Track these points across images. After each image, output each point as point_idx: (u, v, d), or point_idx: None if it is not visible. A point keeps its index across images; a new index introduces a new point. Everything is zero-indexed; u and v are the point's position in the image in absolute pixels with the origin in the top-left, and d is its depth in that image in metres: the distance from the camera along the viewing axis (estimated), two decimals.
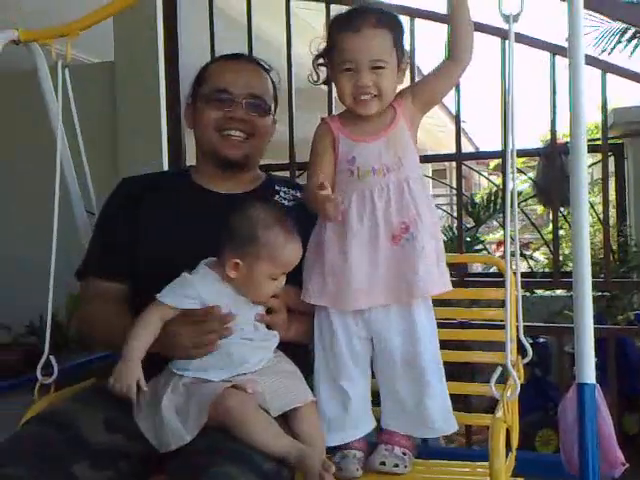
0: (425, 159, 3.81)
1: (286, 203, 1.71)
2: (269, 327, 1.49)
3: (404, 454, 1.43)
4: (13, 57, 1.69)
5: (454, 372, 1.64)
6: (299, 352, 1.55)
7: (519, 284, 1.43)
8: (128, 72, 3.56)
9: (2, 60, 1.62)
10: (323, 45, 1.46)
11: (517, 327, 1.41)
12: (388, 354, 1.44)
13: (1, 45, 1.55)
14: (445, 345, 1.51)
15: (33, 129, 2.70)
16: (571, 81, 1.30)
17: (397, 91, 1.46)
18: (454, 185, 2.83)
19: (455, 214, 2.98)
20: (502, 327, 1.30)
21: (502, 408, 1.25)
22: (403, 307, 1.42)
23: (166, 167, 2.91)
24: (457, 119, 2.59)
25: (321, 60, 1.47)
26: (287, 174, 2.63)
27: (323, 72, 1.49)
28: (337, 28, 1.42)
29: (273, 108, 1.75)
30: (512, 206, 1.32)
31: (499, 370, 1.26)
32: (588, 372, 1.24)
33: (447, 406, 1.45)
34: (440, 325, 1.49)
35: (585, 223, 1.29)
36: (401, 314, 1.42)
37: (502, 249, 4.45)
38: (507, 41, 1.36)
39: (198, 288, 1.42)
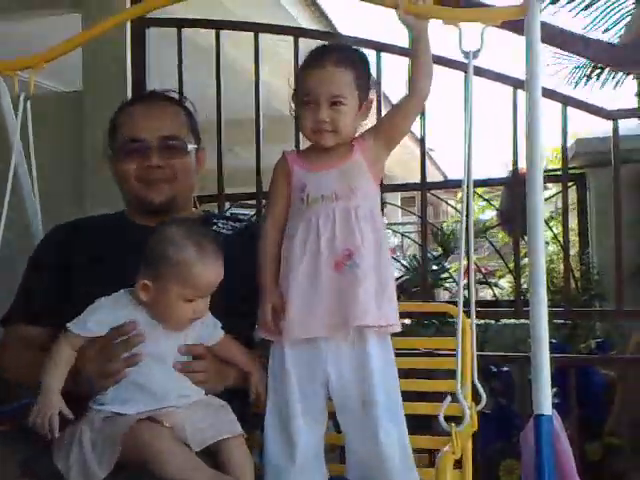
0: (391, 188, 3.87)
1: (224, 232, 1.71)
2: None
3: None
4: None
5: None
6: (235, 404, 1.49)
7: (474, 329, 1.43)
8: (95, 101, 3.55)
9: None
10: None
11: (472, 372, 1.41)
12: (342, 395, 1.40)
13: None
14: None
15: None
16: (528, 114, 1.34)
17: (362, 127, 1.48)
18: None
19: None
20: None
21: (451, 441, 1.25)
22: (357, 342, 1.39)
23: None
24: (422, 148, 2.62)
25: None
26: (254, 203, 2.65)
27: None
28: (303, 64, 1.46)
29: (193, 141, 1.74)
30: (468, 244, 1.35)
31: (448, 399, 1.27)
32: (545, 403, 1.26)
33: (407, 455, 1.39)
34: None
35: (541, 252, 1.30)
36: (355, 351, 1.39)
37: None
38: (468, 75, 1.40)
39: (107, 312, 1.37)
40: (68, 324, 1.37)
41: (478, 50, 1.37)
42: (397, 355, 1.49)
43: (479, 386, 1.39)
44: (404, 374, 1.63)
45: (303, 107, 1.43)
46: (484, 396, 1.40)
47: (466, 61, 1.39)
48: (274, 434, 1.43)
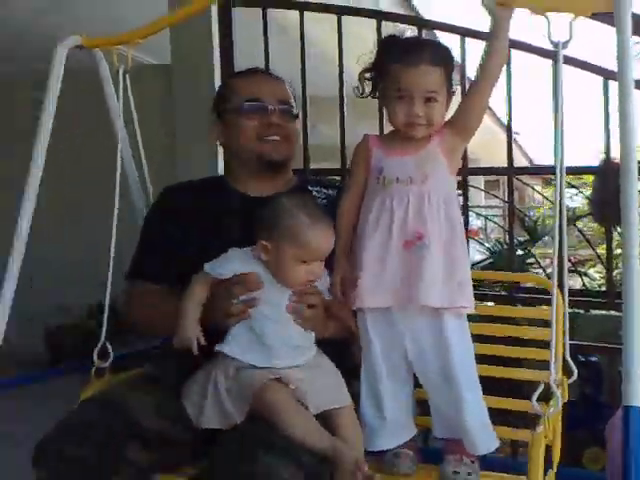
0: (477, 171, 3.79)
1: (319, 201, 1.76)
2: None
3: (472, 462, 1.46)
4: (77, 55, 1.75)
5: (498, 389, 1.63)
6: (342, 353, 1.58)
7: (566, 303, 1.44)
8: (184, 75, 3.65)
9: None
10: (371, 61, 1.54)
11: (563, 346, 1.42)
12: (422, 367, 1.49)
13: (65, 51, 1.62)
14: (490, 360, 1.53)
15: (96, 128, 2.80)
16: (621, 105, 1.29)
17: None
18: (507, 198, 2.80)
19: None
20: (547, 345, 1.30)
21: (543, 424, 1.26)
22: (433, 320, 1.46)
23: (221, 168, 2.96)
24: (509, 131, 2.57)
25: (368, 75, 1.55)
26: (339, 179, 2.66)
27: (368, 85, 1.57)
28: (393, 59, 1.49)
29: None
30: (560, 222, 1.33)
31: (541, 387, 1.27)
32: (634, 394, 1.22)
33: (485, 424, 1.48)
34: (485, 340, 1.51)
35: (635, 243, 1.27)
36: (431, 328, 1.46)
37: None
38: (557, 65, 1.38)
39: (237, 262, 1.51)
40: (205, 264, 1.52)
41: (567, 41, 1.35)
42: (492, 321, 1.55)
43: (570, 361, 1.41)
44: (497, 341, 1.69)
45: (395, 100, 1.48)
46: (575, 370, 1.42)
47: (555, 49, 1.36)
48: (366, 397, 1.53)
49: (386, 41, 1.56)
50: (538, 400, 1.27)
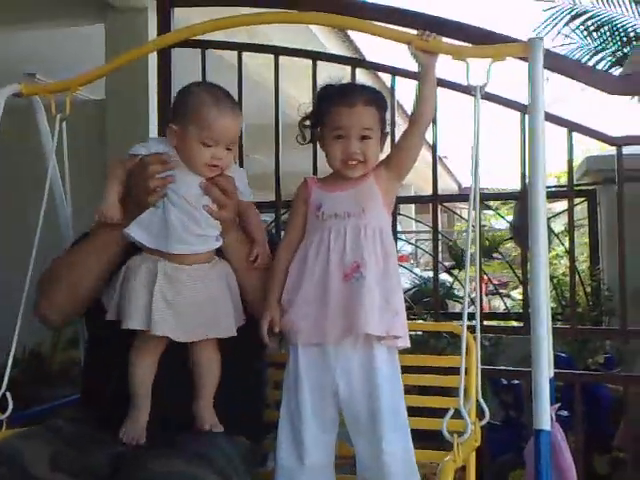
0: (405, 200, 3.92)
1: None
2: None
3: None
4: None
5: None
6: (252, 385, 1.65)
7: (478, 350, 1.49)
8: (118, 110, 3.65)
9: None
10: (309, 109, 1.65)
11: (476, 390, 1.47)
12: (350, 404, 1.49)
13: (3, 99, 1.64)
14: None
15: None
16: (532, 137, 1.41)
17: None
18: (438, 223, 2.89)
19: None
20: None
21: (453, 451, 1.30)
22: (365, 354, 1.48)
23: None
24: (434, 159, 2.67)
25: (307, 122, 1.65)
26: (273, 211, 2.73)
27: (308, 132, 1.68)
28: (332, 100, 1.59)
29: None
30: (480, 262, 1.41)
31: (450, 412, 1.32)
32: (543, 418, 1.30)
33: (410, 465, 1.47)
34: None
35: (542, 264, 1.35)
36: (362, 362, 1.48)
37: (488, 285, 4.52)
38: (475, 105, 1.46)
39: (153, 146, 1.59)
40: (129, 151, 1.60)
41: (485, 85, 1.45)
42: (407, 371, 1.56)
43: (482, 402, 1.44)
44: (414, 390, 1.72)
45: (333, 141, 1.57)
46: (487, 412, 1.45)
47: (473, 93, 1.45)
48: (286, 436, 1.52)
49: (324, 89, 1.66)
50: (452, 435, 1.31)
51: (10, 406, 1.56)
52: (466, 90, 2.31)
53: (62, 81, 1.69)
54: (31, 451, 1.42)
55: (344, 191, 1.57)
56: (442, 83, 2.39)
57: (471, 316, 1.45)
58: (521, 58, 1.54)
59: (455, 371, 1.74)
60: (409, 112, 1.58)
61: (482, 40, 1.62)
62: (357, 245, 1.50)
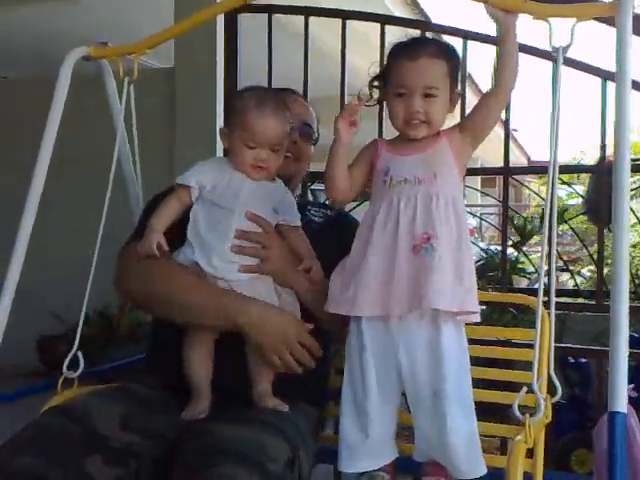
0: (473, 172, 3.81)
1: (316, 219, 1.80)
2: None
3: None
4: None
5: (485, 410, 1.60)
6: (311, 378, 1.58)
7: (552, 323, 1.43)
8: (187, 78, 3.67)
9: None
10: (378, 68, 1.54)
11: (548, 365, 1.41)
12: (413, 380, 1.43)
13: (73, 61, 1.66)
14: (476, 383, 1.49)
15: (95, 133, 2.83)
16: (617, 106, 1.33)
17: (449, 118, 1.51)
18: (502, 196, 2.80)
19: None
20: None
21: (524, 432, 1.26)
22: (430, 329, 1.41)
23: None
24: (506, 131, 2.57)
25: (376, 82, 1.53)
26: None
27: (377, 93, 1.55)
28: (396, 54, 1.48)
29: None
30: (550, 236, 1.35)
31: (524, 390, 1.27)
32: (620, 400, 1.25)
33: (474, 446, 1.41)
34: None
35: (625, 243, 1.28)
36: (427, 338, 1.41)
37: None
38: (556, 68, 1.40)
39: (207, 169, 1.60)
40: (177, 179, 1.60)
41: (568, 46, 1.36)
42: (473, 343, 1.50)
43: (555, 378, 1.39)
44: (480, 362, 1.66)
45: (395, 98, 1.46)
46: (559, 388, 1.40)
47: (555, 55, 1.38)
48: (349, 410, 1.47)
49: (392, 46, 1.53)
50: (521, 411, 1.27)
51: (81, 365, 1.60)
52: (543, 54, 2.27)
53: (130, 44, 1.69)
54: (103, 410, 1.43)
55: (414, 154, 1.46)
56: (521, 48, 2.29)
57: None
58: (605, 20, 1.45)
59: (521, 345, 1.72)
60: (479, 84, 1.50)
61: (552, 1, 1.51)
62: (428, 214, 1.40)
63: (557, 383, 1.39)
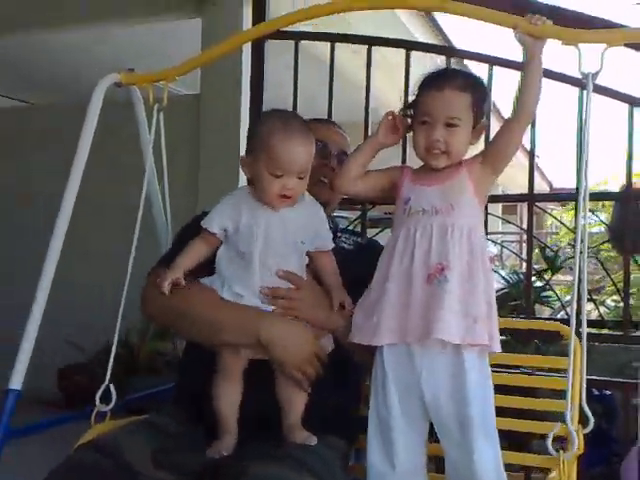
0: (495, 199, 3.78)
1: (346, 246, 1.80)
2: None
3: None
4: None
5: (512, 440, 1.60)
6: (349, 380, 1.60)
7: (584, 351, 1.41)
8: (213, 105, 3.71)
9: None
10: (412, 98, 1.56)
11: (580, 394, 1.39)
12: (437, 410, 1.42)
13: (104, 88, 1.70)
14: (503, 411, 1.48)
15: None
16: None
17: (473, 149, 1.53)
18: (524, 222, 2.79)
19: (524, 255, 2.94)
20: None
21: (557, 468, 1.24)
22: (452, 358, 1.41)
23: None
24: (531, 158, 2.57)
25: (409, 111, 1.56)
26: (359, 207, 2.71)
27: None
28: (424, 85, 1.52)
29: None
30: (580, 269, 1.33)
31: (558, 425, 1.26)
32: None
33: (500, 475, 1.40)
34: (497, 390, 1.46)
35: None
36: (449, 367, 1.41)
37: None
38: (584, 94, 1.40)
39: (225, 215, 1.53)
40: (202, 222, 1.55)
41: (598, 72, 1.36)
42: (500, 370, 1.48)
43: (587, 409, 1.37)
44: (506, 390, 1.64)
45: (419, 126, 1.49)
46: (592, 420, 1.38)
47: (584, 81, 1.38)
48: (375, 440, 1.47)
49: (423, 77, 1.55)
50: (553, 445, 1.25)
51: (114, 398, 1.59)
52: (572, 81, 2.26)
53: (160, 71, 1.71)
54: (135, 446, 1.43)
55: (433, 185, 1.49)
56: (547, 74, 2.30)
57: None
58: (634, 45, 1.44)
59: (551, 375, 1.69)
60: (503, 113, 1.51)
61: (581, 26, 1.50)
62: (443, 245, 1.42)
63: (589, 414, 1.37)
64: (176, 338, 2.05)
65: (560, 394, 1.50)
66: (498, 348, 1.44)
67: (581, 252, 1.36)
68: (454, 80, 1.48)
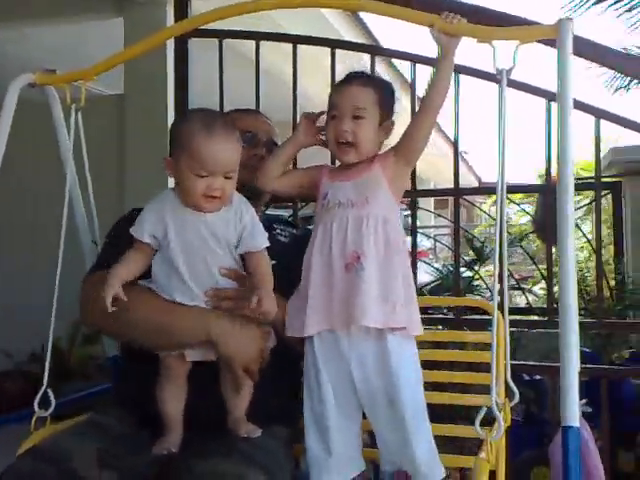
0: (425, 193, 3.88)
1: (282, 239, 1.81)
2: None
3: None
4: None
5: (442, 414, 1.66)
6: (288, 370, 1.62)
7: (507, 324, 1.46)
8: (137, 105, 3.64)
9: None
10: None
11: (505, 369, 1.45)
12: (368, 395, 1.48)
13: (18, 88, 1.63)
14: (432, 386, 1.54)
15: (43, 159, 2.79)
16: (560, 126, 1.36)
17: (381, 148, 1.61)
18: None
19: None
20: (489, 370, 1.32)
21: (486, 449, 1.27)
22: (377, 343, 1.47)
23: None
24: (455, 152, 2.61)
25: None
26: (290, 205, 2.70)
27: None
28: (336, 86, 1.63)
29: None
30: (501, 246, 1.38)
31: (483, 411, 1.28)
32: (572, 415, 1.26)
33: (432, 453, 1.47)
34: (427, 366, 1.52)
35: (571, 260, 1.31)
36: (375, 351, 1.47)
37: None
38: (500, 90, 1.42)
39: (152, 216, 1.49)
40: (132, 230, 1.50)
41: (511, 68, 1.40)
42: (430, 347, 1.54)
43: (511, 383, 1.42)
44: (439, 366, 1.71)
45: (330, 122, 1.58)
46: (517, 393, 1.44)
47: (499, 77, 1.41)
48: (312, 428, 1.51)
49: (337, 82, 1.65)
50: (482, 425, 1.28)
51: (52, 402, 1.57)
52: (488, 77, 2.32)
53: (77, 70, 1.66)
54: (79, 449, 1.41)
55: (349, 180, 1.56)
56: (464, 70, 2.35)
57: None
58: (547, 42, 1.48)
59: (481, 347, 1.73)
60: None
61: (499, 24, 1.55)
62: (358, 235, 1.48)
63: (514, 387, 1.43)
64: (106, 341, 1.99)
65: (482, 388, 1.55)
66: (419, 331, 1.51)
67: (501, 238, 1.39)
68: (360, 77, 1.59)
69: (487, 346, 1.37)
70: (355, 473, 1.52)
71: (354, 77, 1.60)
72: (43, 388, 1.58)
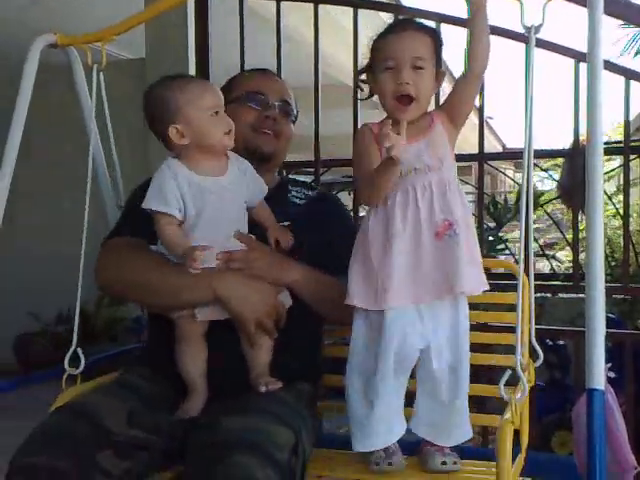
0: None
1: (297, 201, 1.79)
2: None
3: (452, 451, 1.45)
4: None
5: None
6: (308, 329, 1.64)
7: (532, 288, 1.44)
8: (159, 69, 3.61)
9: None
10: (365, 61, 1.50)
11: (529, 331, 1.44)
12: (436, 359, 1.43)
13: (39, 49, 1.62)
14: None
15: (68, 124, 2.79)
16: (589, 87, 1.31)
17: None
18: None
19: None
20: (514, 330, 1.30)
21: (510, 410, 1.26)
22: (452, 308, 1.43)
23: None
24: (480, 118, 2.58)
25: (363, 76, 1.51)
26: (312, 171, 2.68)
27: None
28: (381, 36, 1.47)
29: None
30: (527, 208, 1.35)
31: (507, 373, 1.27)
32: (597, 378, 1.25)
33: (467, 417, 1.46)
34: None
35: (599, 225, 1.28)
36: (450, 316, 1.43)
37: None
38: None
39: (171, 191, 1.47)
40: (160, 208, 1.47)
41: (540, 25, 1.35)
42: None
43: (536, 344, 1.42)
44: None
45: (384, 73, 1.43)
46: (541, 354, 1.43)
47: (527, 34, 1.37)
48: (357, 389, 1.46)
49: (375, 35, 1.50)
50: (506, 385, 1.26)
51: (82, 361, 1.58)
52: (515, 36, 2.26)
53: (97, 31, 1.65)
54: (109, 407, 1.44)
55: (417, 141, 1.42)
56: (492, 30, 2.29)
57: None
58: (577, 0, 1.44)
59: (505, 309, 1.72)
60: (452, 71, 1.49)
61: None
62: (445, 202, 1.40)
63: (538, 348, 1.42)
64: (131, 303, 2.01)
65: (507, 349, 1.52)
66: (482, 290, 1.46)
67: (527, 200, 1.36)
68: (413, 24, 1.48)
69: (512, 308, 1.35)
70: (400, 435, 1.46)
71: (406, 23, 1.48)
72: (72, 347, 1.60)
